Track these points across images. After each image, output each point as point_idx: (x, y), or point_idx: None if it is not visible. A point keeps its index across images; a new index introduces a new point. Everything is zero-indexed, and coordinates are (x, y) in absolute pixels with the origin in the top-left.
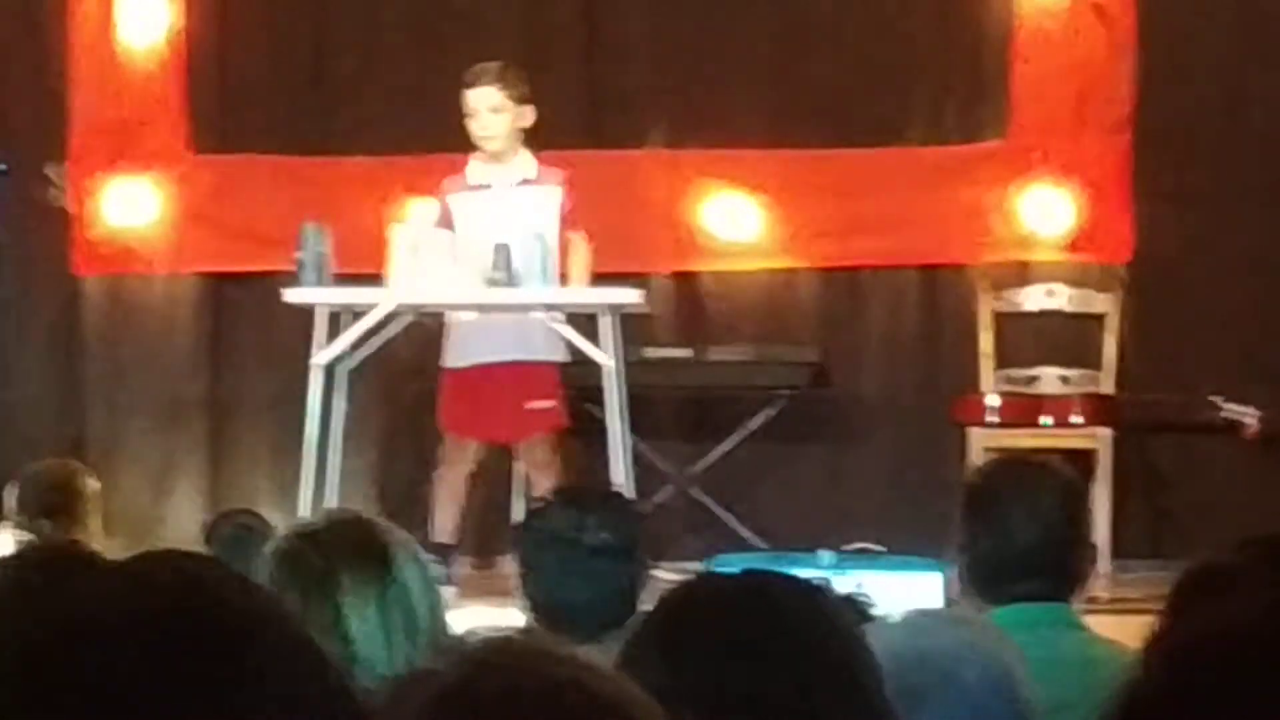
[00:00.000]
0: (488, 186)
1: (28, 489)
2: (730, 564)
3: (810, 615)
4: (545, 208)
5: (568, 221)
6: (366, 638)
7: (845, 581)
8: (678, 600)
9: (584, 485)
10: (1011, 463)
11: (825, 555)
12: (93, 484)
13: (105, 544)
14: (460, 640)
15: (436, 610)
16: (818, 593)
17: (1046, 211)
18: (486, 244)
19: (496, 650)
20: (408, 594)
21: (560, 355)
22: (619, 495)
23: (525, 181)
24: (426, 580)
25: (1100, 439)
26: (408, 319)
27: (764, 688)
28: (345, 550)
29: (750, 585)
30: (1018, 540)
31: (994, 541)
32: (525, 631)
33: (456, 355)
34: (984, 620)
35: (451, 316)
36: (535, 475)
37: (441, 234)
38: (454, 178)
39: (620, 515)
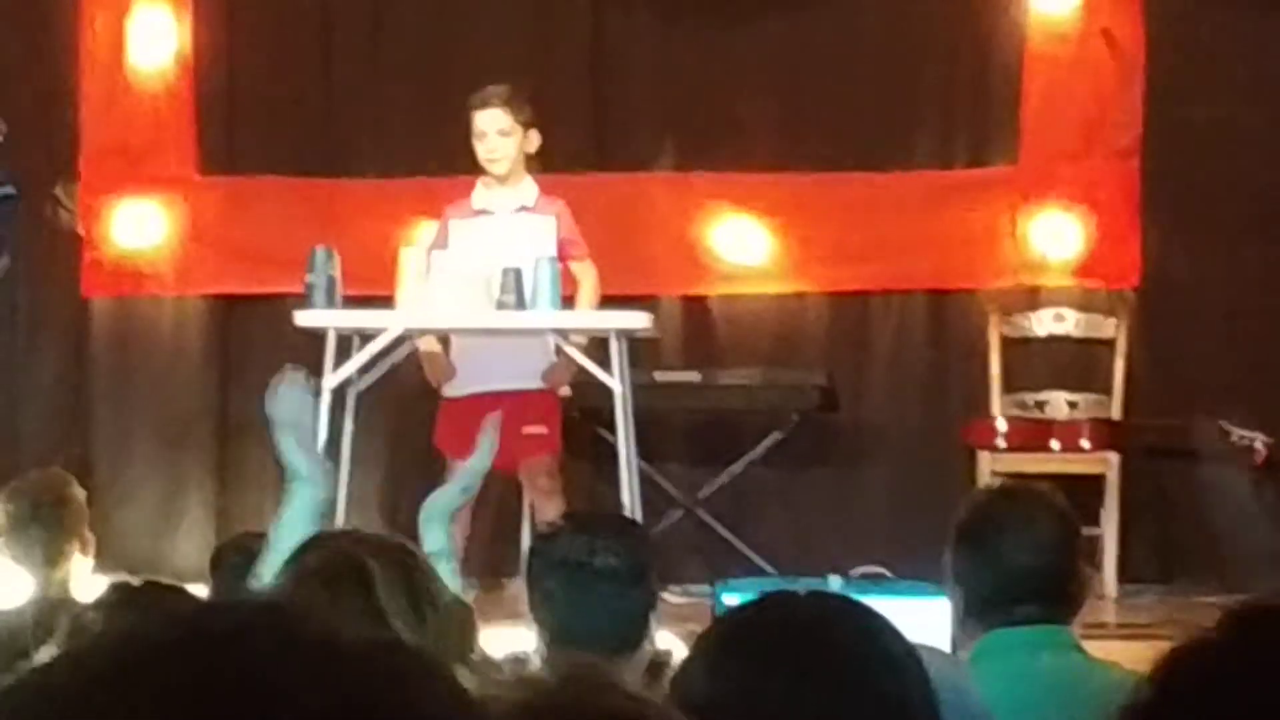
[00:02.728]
0: (490, 213)
1: (18, 500)
2: (738, 589)
3: (869, 645)
4: (540, 236)
5: (566, 252)
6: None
7: None
8: (739, 615)
9: (594, 510)
10: (1004, 492)
11: (833, 580)
12: (79, 493)
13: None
14: (518, 667)
15: (456, 581)
16: (881, 621)
17: (1055, 236)
18: (482, 269)
19: (563, 680)
20: (430, 569)
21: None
22: (629, 520)
23: (522, 209)
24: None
25: (1108, 463)
26: (416, 342)
27: (804, 709)
28: (372, 545)
29: (812, 608)
30: (1015, 567)
31: (990, 570)
32: (581, 663)
33: (454, 384)
34: (934, 649)
35: (452, 345)
36: (539, 501)
37: (439, 256)
38: (459, 202)
39: (630, 540)
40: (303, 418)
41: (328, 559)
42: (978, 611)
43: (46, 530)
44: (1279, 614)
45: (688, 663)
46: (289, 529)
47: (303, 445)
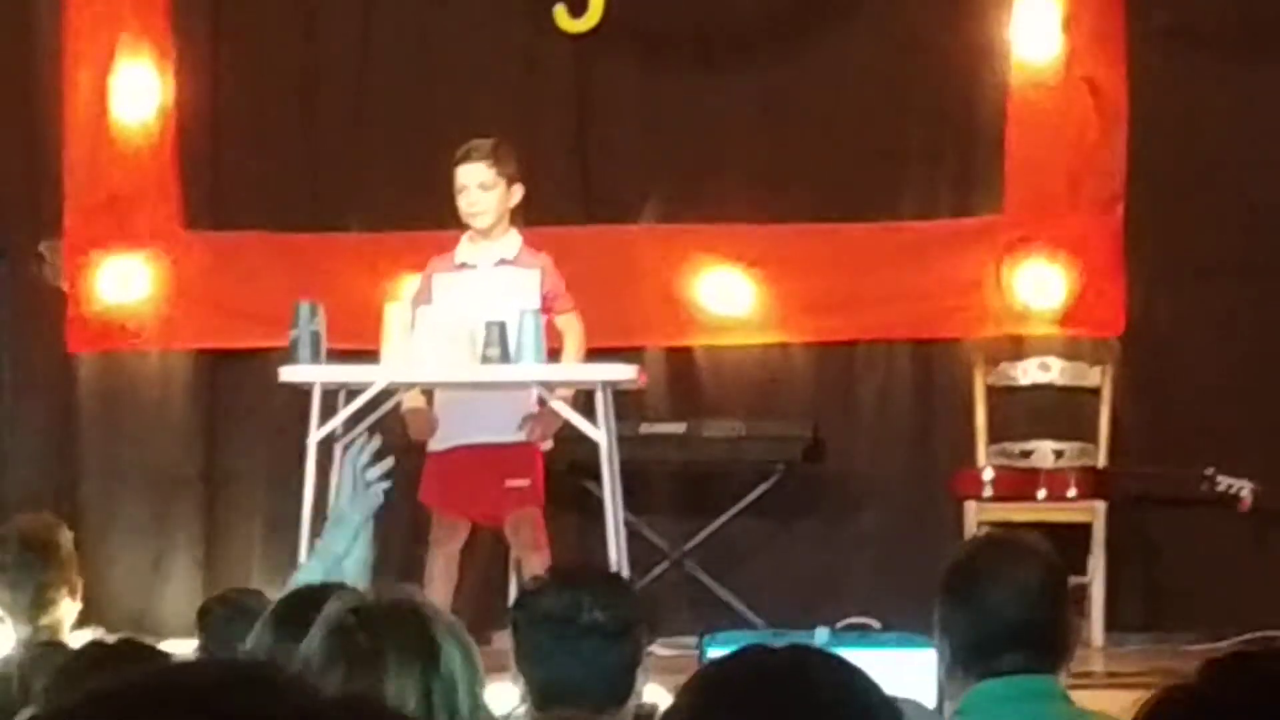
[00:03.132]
0: (473, 266)
1: (6, 544)
2: (725, 642)
3: (848, 697)
4: (524, 289)
5: (551, 305)
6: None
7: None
8: (715, 672)
9: (579, 564)
10: (991, 541)
11: (820, 633)
12: (67, 537)
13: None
14: None
15: (476, 692)
16: (858, 675)
17: (1039, 286)
18: (463, 322)
19: None
20: (451, 678)
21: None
22: (615, 575)
23: (503, 262)
24: (469, 663)
25: (1095, 512)
26: (401, 396)
27: None
28: (393, 631)
29: (788, 662)
30: (1002, 617)
31: (977, 620)
32: (568, 718)
33: (438, 438)
34: (916, 704)
35: (435, 398)
36: (524, 555)
37: (423, 311)
38: (442, 256)
39: (616, 595)
40: (369, 485)
41: (343, 644)
42: (964, 661)
43: (35, 575)
44: (1258, 663)
45: (669, 715)
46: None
47: (356, 510)
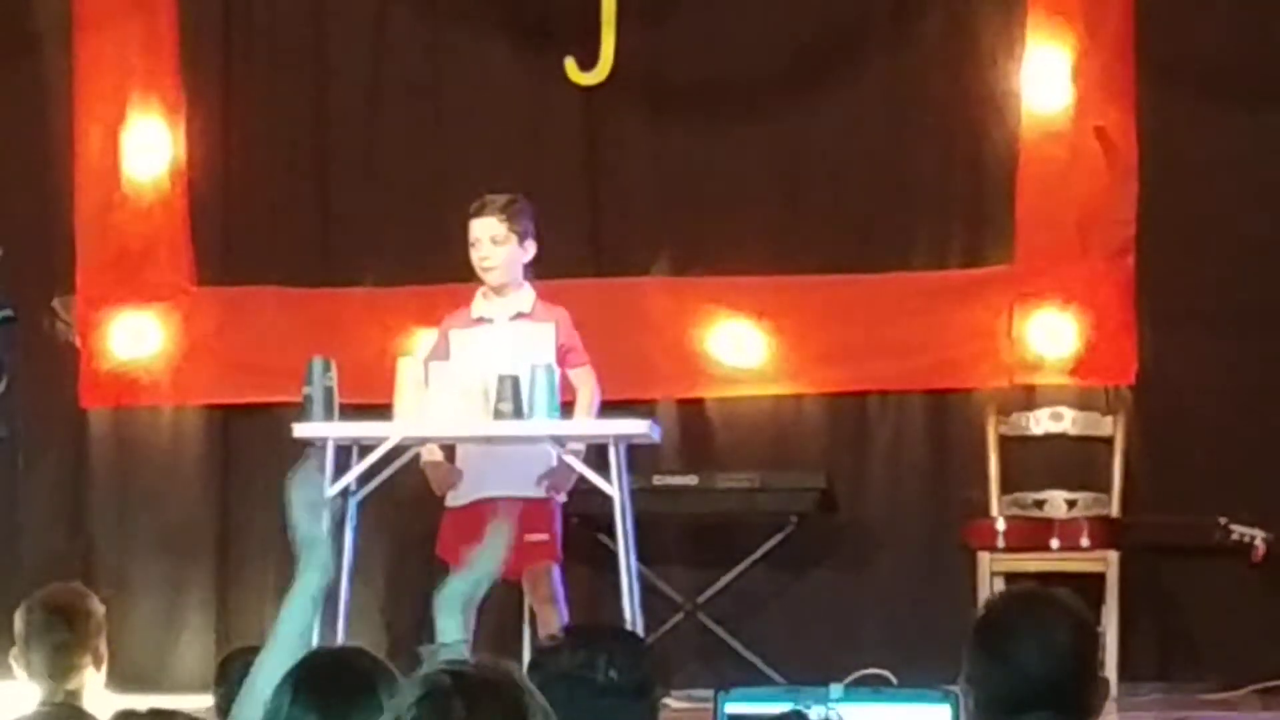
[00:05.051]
0: (489, 321)
1: (36, 610)
2: (741, 698)
3: None
4: (540, 344)
5: (565, 359)
6: None
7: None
8: None
9: (596, 623)
10: (1023, 596)
11: (835, 689)
12: (98, 608)
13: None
14: None
15: None
16: None
17: (1051, 335)
18: (477, 377)
19: None
20: None
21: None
22: (631, 634)
23: (520, 316)
24: None
25: (1108, 561)
26: (415, 452)
27: None
28: (489, 701)
29: None
30: (1030, 674)
31: (1006, 675)
32: None
33: (456, 493)
34: None
35: (456, 453)
36: (539, 608)
37: (436, 366)
38: (457, 313)
39: (632, 653)
40: (318, 502)
41: (438, 707)
42: (989, 715)
43: (59, 641)
44: None
45: None
46: (299, 612)
47: (317, 528)
